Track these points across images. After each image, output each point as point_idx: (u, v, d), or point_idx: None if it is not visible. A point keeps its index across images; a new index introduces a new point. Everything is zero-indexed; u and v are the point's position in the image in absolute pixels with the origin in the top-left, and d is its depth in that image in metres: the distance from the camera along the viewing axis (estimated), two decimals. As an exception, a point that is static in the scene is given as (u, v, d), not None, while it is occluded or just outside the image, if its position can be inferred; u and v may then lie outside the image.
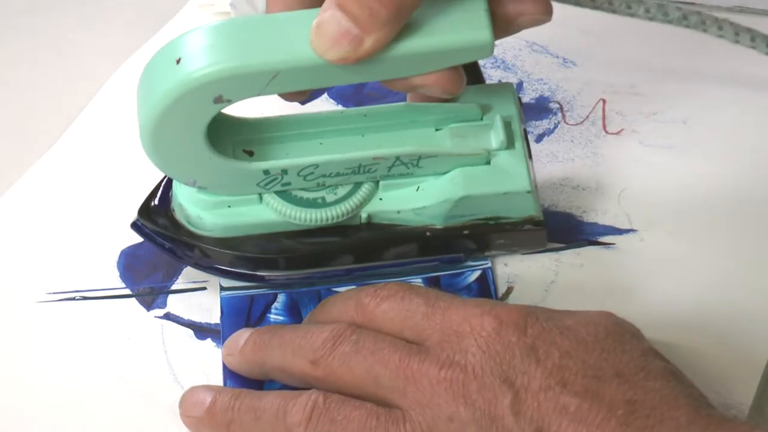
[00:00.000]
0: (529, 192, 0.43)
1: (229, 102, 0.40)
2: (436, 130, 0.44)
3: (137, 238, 0.49)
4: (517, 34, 0.57)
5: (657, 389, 0.36)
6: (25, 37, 0.61)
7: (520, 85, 0.54)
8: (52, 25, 0.61)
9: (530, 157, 0.45)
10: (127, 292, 0.47)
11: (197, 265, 0.46)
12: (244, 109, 0.42)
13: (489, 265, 0.46)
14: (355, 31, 0.37)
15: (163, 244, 0.45)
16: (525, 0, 0.41)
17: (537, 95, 0.54)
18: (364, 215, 0.44)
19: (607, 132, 0.52)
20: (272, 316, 0.46)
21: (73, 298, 0.47)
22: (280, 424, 0.39)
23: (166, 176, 0.46)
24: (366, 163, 0.43)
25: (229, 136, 0.43)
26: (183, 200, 0.44)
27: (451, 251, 0.46)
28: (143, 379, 0.44)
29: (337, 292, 0.45)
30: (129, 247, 0.48)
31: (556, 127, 0.52)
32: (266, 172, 0.43)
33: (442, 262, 0.46)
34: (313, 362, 0.39)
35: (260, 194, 0.44)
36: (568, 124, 0.52)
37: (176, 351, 0.45)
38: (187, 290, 0.47)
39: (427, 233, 0.45)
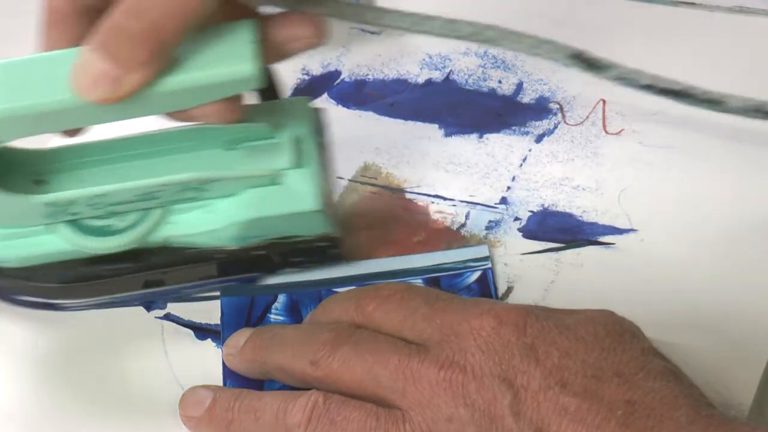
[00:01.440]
0: (318, 211, 0.43)
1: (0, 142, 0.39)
2: (228, 150, 0.43)
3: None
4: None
5: (657, 389, 0.36)
6: (25, 37, 0.61)
7: (520, 85, 0.54)
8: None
9: (328, 171, 0.44)
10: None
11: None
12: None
13: (489, 265, 0.46)
14: (114, 72, 0.36)
15: None
16: (295, 25, 0.39)
17: (537, 95, 0.54)
18: (157, 239, 0.44)
19: (607, 132, 0.52)
20: (272, 317, 0.46)
21: (73, 298, 0.47)
22: (280, 425, 0.39)
23: None
24: (152, 189, 0.42)
25: (21, 169, 0.43)
26: None
27: (248, 271, 0.46)
28: (143, 379, 0.44)
29: (337, 292, 0.45)
30: (129, 247, 0.48)
31: (556, 127, 0.52)
32: (51, 204, 0.42)
33: (240, 282, 0.46)
34: (313, 363, 0.39)
35: (51, 224, 0.43)
36: (568, 124, 0.52)
37: (176, 351, 0.45)
38: (187, 290, 0.47)
39: (221, 255, 0.44)
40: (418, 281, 0.46)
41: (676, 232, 0.47)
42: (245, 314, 0.46)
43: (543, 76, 0.55)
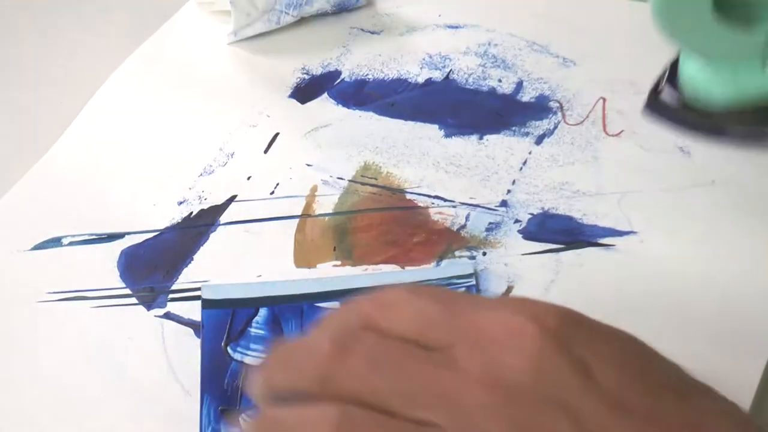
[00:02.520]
0: None
1: None
2: None
3: (137, 239, 0.49)
4: (517, 34, 0.57)
5: (713, 409, 0.32)
6: (26, 37, 0.61)
7: (520, 84, 0.54)
8: (52, 25, 0.61)
9: None
10: (127, 292, 0.47)
11: (711, 140, 0.48)
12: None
13: (473, 282, 0.45)
14: None
15: (674, 124, 0.48)
16: None
17: (537, 94, 0.54)
18: None
19: (607, 133, 0.51)
20: (253, 330, 0.45)
21: (73, 298, 0.47)
22: None
23: (668, 64, 0.47)
24: None
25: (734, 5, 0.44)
26: (690, 76, 0.46)
27: None
28: (143, 378, 0.44)
29: (319, 308, 0.45)
30: (129, 247, 0.49)
31: (556, 127, 0.52)
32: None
33: None
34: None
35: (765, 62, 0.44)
36: (568, 124, 0.52)
37: (176, 350, 0.45)
38: (187, 290, 0.47)
39: None
40: None
41: (675, 233, 0.47)
42: (225, 327, 0.45)
43: (543, 75, 0.55)
